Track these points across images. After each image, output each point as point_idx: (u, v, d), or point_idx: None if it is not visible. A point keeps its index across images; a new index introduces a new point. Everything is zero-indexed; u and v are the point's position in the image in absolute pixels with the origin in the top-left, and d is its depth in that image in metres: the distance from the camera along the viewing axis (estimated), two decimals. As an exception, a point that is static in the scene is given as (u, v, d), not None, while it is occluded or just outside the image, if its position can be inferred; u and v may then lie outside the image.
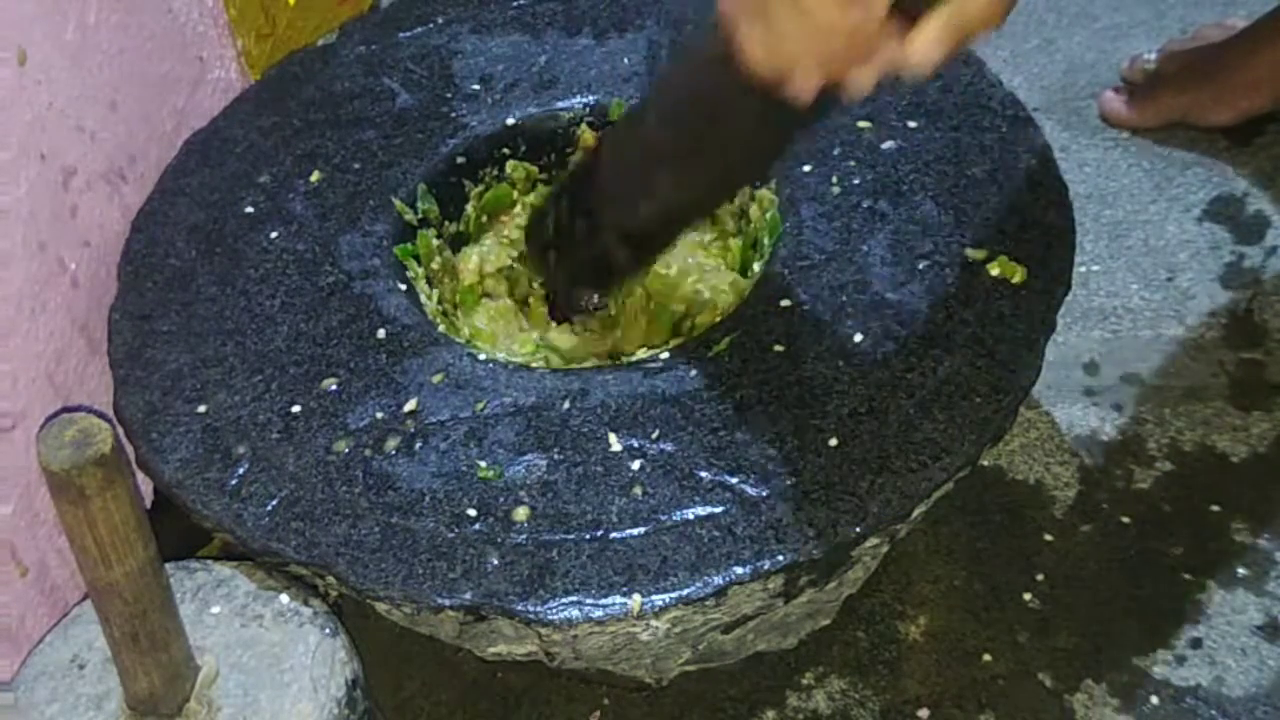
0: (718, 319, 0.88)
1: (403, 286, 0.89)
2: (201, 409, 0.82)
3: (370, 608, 0.76)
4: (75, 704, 0.78)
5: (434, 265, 0.95)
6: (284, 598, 0.81)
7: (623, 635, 0.73)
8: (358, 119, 0.99)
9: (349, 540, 0.75)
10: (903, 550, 0.96)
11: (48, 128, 0.86)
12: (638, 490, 0.75)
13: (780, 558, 0.71)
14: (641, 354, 0.88)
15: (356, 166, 0.96)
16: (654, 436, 0.77)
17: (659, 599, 0.71)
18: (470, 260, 0.98)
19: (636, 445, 0.77)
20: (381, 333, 0.85)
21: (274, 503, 0.77)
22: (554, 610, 0.71)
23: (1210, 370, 1.06)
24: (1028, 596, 0.93)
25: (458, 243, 0.99)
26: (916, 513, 0.75)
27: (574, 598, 0.71)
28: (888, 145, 0.91)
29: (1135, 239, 1.15)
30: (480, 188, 0.99)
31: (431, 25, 1.06)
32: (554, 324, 0.96)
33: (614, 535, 0.73)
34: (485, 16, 1.06)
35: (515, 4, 1.06)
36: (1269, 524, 0.96)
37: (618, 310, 0.96)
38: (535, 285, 0.98)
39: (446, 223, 0.97)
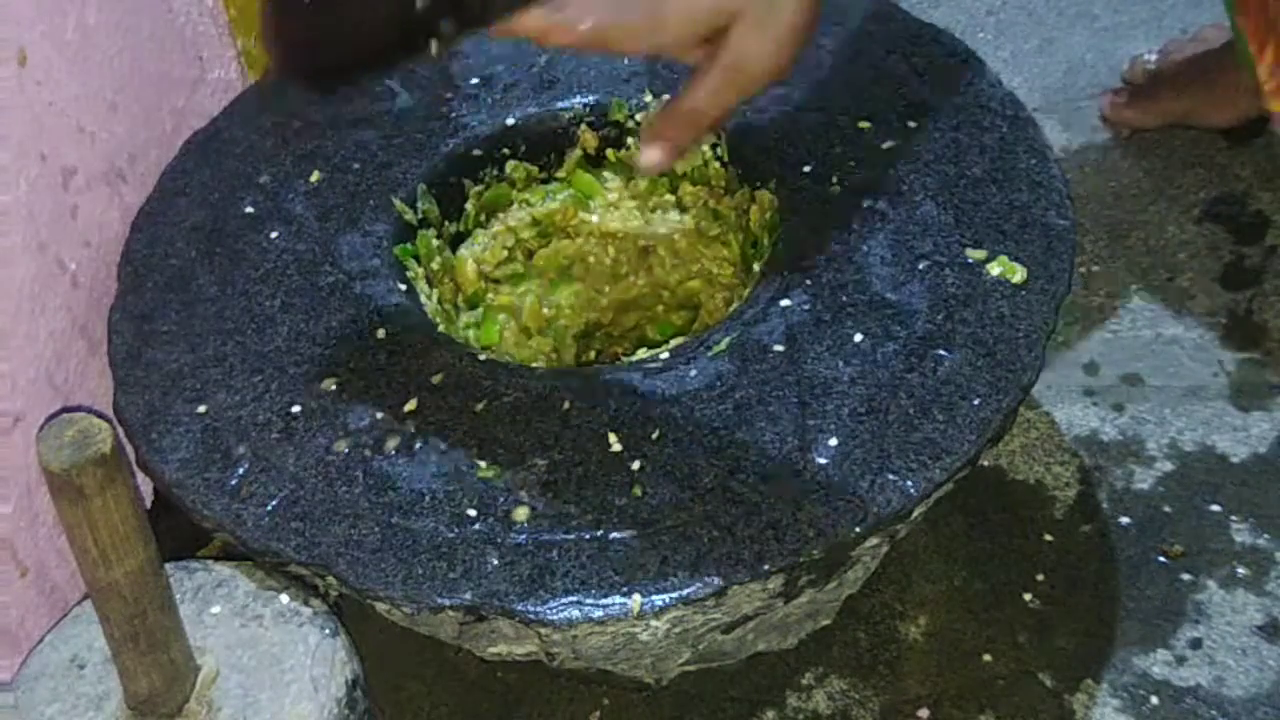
0: (717, 318, 0.88)
1: (403, 286, 0.89)
2: (201, 409, 0.82)
3: (370, 608, 0.76)
4: (75, 704, 0.78)
5: (434, 265, 0.95)
6: (284, 598, 0.81)
7: (623, 635, 0.73)
8: (358, 119, 0.99)
9: (349, 540, 0.75)
10: (903, 550, 0.96)
11: (48, 128, 0.86)
12: (638, 490, 0.75)
13: (780, 558, 0.71)
14: (642, 354, 0.87)
15: (356, 166, 0.96)
16: (654, 436, 0.77)
17: (659, 599, 0.71)
18: (467, 265, 0.97)
19: (636, 445, 0.77)
20: (381, 333, 0.85)
21: (274, 503, 0.77)
22: (554, 610, 0.71)
23: (1210, 370, 1.06)
24: (1028, 596, 0.93)
25: (457, 243, 0.98)
26: (916, 513, 0.75)
27: (574, 598, 0.71)
28: (888, 145, 0.91)
29: (1135, 239, 1.15)
30: (480, 188, 0.99)
31: (431, 25, 1.06)
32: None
33: (614, 535, 0.73)
34: (485, 16, 1.06)
35: (515, 4, 1.06)
36: (1269, 524, 0.96)
37: (614, 263, 0.97)
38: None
39: (446, 223, 0.97)
